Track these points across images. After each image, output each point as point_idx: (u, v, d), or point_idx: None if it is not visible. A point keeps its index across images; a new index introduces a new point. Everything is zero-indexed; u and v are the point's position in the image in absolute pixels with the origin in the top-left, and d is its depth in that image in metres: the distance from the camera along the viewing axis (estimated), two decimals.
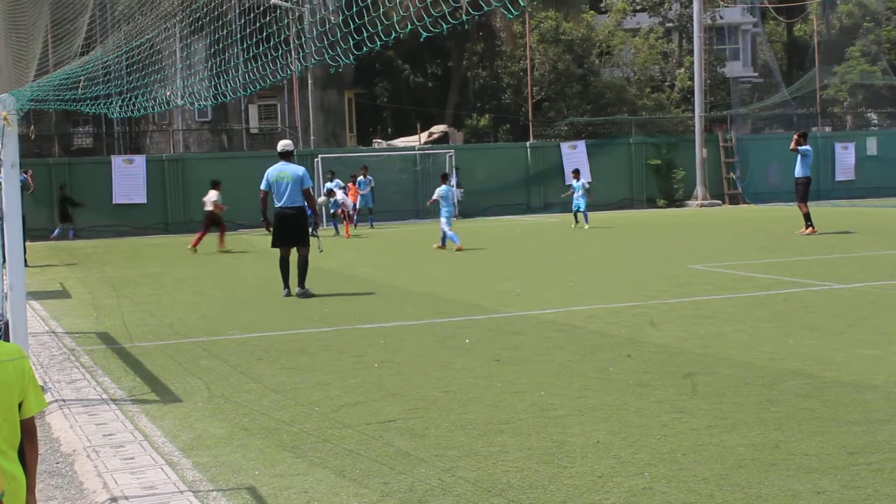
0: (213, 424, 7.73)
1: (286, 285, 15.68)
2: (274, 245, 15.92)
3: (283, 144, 16.19)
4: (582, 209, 30.27)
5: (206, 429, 7.60)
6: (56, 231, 34.97)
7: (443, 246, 23.56)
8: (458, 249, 22.85)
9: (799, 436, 6.79)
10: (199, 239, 25.94)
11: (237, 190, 31.88)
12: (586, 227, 29.85)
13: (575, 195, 30.39)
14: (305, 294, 15.44)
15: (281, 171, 15.58)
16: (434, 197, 24.78)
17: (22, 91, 11.41)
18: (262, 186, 15.86)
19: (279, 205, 15.56)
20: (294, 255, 15.78)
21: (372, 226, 34.95)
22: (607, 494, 5.75)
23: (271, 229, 15.92)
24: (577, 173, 31.36)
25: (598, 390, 8.40)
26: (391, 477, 6.22)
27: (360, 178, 34.96)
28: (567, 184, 41.35)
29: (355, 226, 32.97)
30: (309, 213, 16.30)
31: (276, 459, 6.70)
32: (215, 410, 8.20)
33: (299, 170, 15.69)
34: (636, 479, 6.01)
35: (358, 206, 33.85)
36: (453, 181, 29.55)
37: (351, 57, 6.13)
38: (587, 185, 30.73)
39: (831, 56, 54.78)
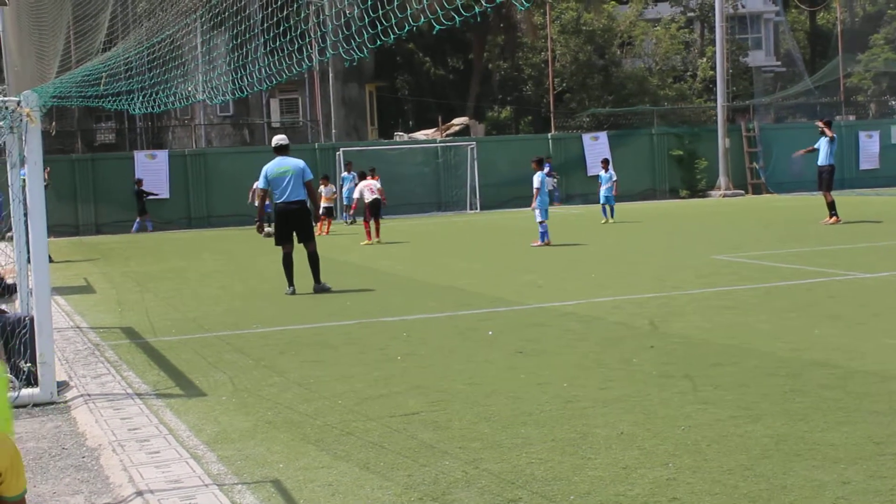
0: (238, 418, 7.76)
1: (290, 283, 15.33)
2: (278, 243, 15.54)
3: (279, 139, 15.74)
4: (609, 202, 28.68)
5: (231, 422, 7.63)
6: (135, 225, 34.98)
7: (543, 243, 21.78)
8: (545, 244, 21.51)
9: (824, 426, 6.75)
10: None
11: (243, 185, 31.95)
12: (610, 220, 28.47)
13: (602, 187, 28.89)
14: (322, 289, 15.30)
15: (280, 166, 15.23)
16: (536, 185, 22.16)
17: (45, 87, 11.48)
18: (261, 185, 15.42)
19: (280, 200, 15.21)
20: (298, 252, 15.43)
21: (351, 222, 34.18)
22: (631, 485, 5.74)
23: (267, 229, 15.42)
24: (605, 163, 29.76)
25: (621, 381, 8.38)
26: (415, 469, 6.23)
27: (345, 174, 34.90)
28: (590, 175, 41.48)
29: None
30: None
31: (301, 452, 6.71)
32: (239, 404, 8.23)
33: (299, 163, 15.32)
34: (660, 469, 5.99)
35: (346, 203, 34.20)
36: (546, 169, 27.33)
37: (365, 51, 6.11)
38: (615, 178, 29.06)
39: (855, 44, 54.36)
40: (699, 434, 6.69)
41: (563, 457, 6.34)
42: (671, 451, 6.36)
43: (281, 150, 15.50)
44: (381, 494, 5.79)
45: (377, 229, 25.05)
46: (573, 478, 5.93)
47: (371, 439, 6.94)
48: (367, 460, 6.46)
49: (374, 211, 25.07)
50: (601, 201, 29.19)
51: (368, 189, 25.20)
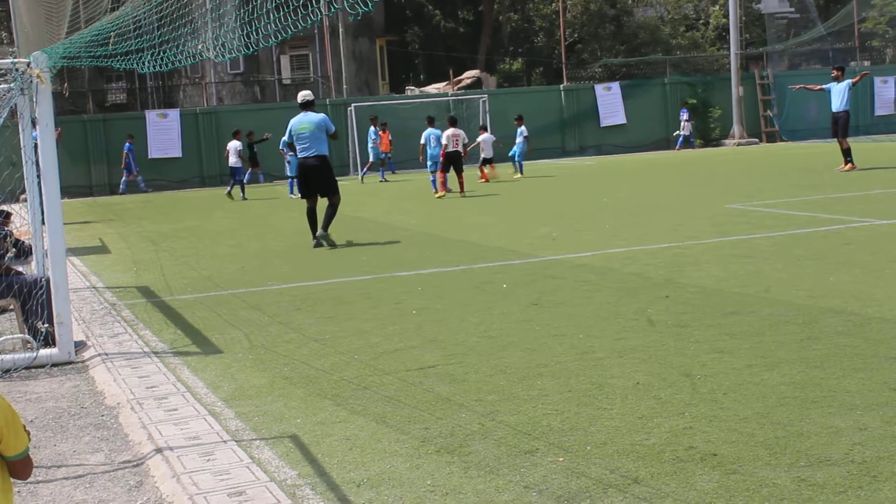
0: (254, 374, 7.79)
1: (315, 236, 15.77)
2: (303, 196, 16.17)
3: (304, 95, 16.20)
4: (517, 157, 29.99)
5: (248, 379, 7.67)
6: (247, 175, 34.67)
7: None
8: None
9: (840, 373, 6.75)
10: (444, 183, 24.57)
11: (271, 141, 31.78)
12: (518, 176, 29.47)
13: (517, 141, 30.17)
14: (325, 236, 15.55)
15: (302, 122, 15.71)
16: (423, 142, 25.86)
17: (54, 48, 11.44)
18: (286, 139, 16.14)
19: (302, 155, 15.78)
20: (321, 206, 15.91)
21: (383, 178, 34.00)
22: (648, 435, 5.75)
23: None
24: (519, 119, 30.93)
25: (636, 332, 8.38)
26: (432, 422, 6.25)
27: (371, 128, 34.77)
28: (603, 126, 41.35)
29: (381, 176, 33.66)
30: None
31: (318, 408, 6.75)
32: (256, 361, 8.27)
33: (320, 118, 15.79)
34: (677, 419, 6.00)
35: (371, 159, 34.04)
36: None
37: (370, 4, 6.03)
38: (525, 134, 30.33)
39: None
40: (715, 383, 6.69)
41: (579, 408, 6.35)
42: (687, 400, 6.36)
43: (305, 106, 15.95)
44: (398, 448, 5.81)
45: (461, 183, 24.20)
46: (589, 428, 5.94)
47: (387, 393, 6.96)
48: (384, 414, 6.48)
49: (456, 164, 24.09)
50: (511, 154, 30.48)
51: (454, 139, 24.17)
